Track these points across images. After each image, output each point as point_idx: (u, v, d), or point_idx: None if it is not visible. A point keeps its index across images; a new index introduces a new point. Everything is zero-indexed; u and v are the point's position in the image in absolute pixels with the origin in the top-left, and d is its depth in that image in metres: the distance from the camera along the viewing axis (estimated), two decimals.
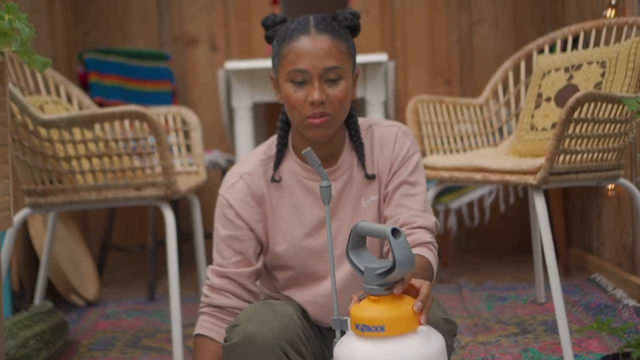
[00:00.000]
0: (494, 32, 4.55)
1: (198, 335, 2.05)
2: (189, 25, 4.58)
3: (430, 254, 1.94)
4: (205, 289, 2.07)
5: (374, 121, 2.09)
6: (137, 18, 4.57)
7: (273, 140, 2.09)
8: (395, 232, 1.54)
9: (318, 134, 1.92)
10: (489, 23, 4.55)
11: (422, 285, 1.60)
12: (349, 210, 2.03)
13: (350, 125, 2.05)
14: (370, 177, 2.03)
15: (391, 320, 1.53)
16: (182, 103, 4.52)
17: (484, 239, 4.57)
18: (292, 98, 1.90)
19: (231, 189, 2.04)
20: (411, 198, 2.01)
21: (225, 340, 1.83)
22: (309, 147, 1.68)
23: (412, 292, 1.60)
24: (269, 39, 1.99)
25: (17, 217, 2.68)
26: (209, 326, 2.04)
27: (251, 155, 2.10)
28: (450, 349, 1.82)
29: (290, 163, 2.04)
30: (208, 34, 4.58)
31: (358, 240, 1.65)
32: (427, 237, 1.96)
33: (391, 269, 1.54)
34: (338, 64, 1.89)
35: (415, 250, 1.92)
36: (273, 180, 2.04)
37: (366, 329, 1.54)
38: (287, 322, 1.83)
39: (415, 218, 1.98)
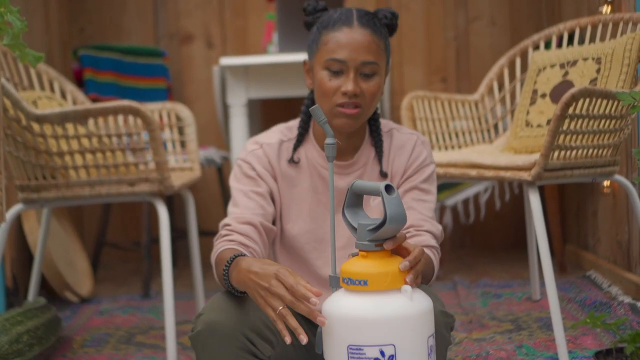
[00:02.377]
0: (491, 29, 4.54)
1: (223, 252, 1.88)
2: (184, 22, 4.57)
3: (433, 257, 1.95)
4: (224, 232, 1.93)
5: (395, 126, 2.11)
6: (133, 14, 4.56)
7: (294, 124, 2.10)
8: (388, 188, 1.56)
9: (346, 124, 1.95)
10: (485, 20, 4.54)
11: (415, 248, 1.61)
12: None
13: (372, 121, 2.07)
14: (384, 175, 2.05)
15: (374, 275, 1.55)
16: (178, 100, 4.52)
17: (479, 236, 4.57)
18: (326, 85, 1.93)
19: (251, 154, 2.04)
20: (422, 203, 2.03)
21: (191, 331, 1.82)
22: (318, 107, 1.69)
23: (405, 254, 1.61)
24: (308, 25, 2.02)
25: (10, 213, 2.67)
26: (234, 246, 1.91)
27: (271, 132, 2.10)
28: (447, 342, 1.82)
29: (309, 149, 2.05)
30: (204, 31, 4.57)
31: (355, 199, 1.66)
32: (433, 242, 1.97)
33: (382, 224, 1.56)
34: (375, 60, 1.93)
35: None
36: (291, 161, 2.04)
37: (350, 283, 1.57)
38: (250, 309, 1.81)
39: (423, 222, 2.00)
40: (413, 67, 4.55)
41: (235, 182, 2.03)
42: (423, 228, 1.98)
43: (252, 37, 4.54)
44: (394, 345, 1.52)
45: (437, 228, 2.01)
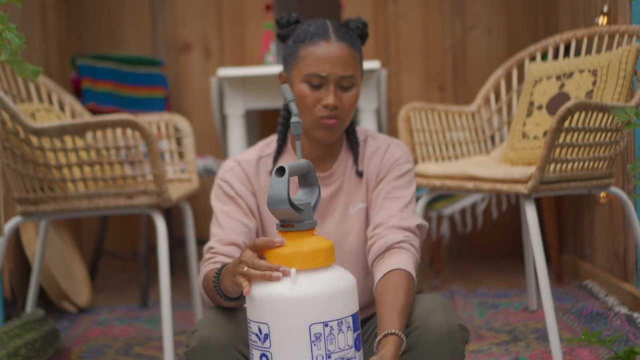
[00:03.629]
0: (488, 38, 4.55)
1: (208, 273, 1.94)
2: (182, 31, 4.58)
3: (403, 257, 1.89)
4: (208, 255, 1.98)
5: (370, 134, 2.13)
6: (131, 22, 4.57)
7: (271, 140, 2.12)
8: (278, 170, 1.61)
9: (328, 135, 1.99)
10: (482, 29, 4.56)
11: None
12: (336, 217, 2.05)
13: (348, 127, 2.10)
14: (360, 174, 2.06)
15: (270, 256, 1.64)
16: (176, 109, 4.52)
17: (476, 245, 4.58)
18: (307, 99, 1.97)
19: (230, 173, 2.06)
20: (393, 201, 2.02)
21: (186, 347, 1.84)
22: (287, 85, 1.76)
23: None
24: (283, 38, 2.05)
25: (9, 226, 2.68)
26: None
27: (250, 149, 2.13)
28: (462, 356, 1.81)
29: (288, 160, 2.07)
30: (202, 40, 4.58)
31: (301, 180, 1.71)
32: (399, 236, 1.93)
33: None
34: (353, 73, 1.98)
35: (387, 261, 1.89)
36: (271, 173, 2.04)
37: None
38: (243, 323, 1.83)
39: (389, 219, 1.98)
40: (410, 76, 4.57)
41: (216, 202, 2.06)
42: (388, 224, 1.96)
43: (250, 45, 4.55)
44: (267, 325, 1.57)
45: (409, 221, 1.97)
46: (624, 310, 3.12)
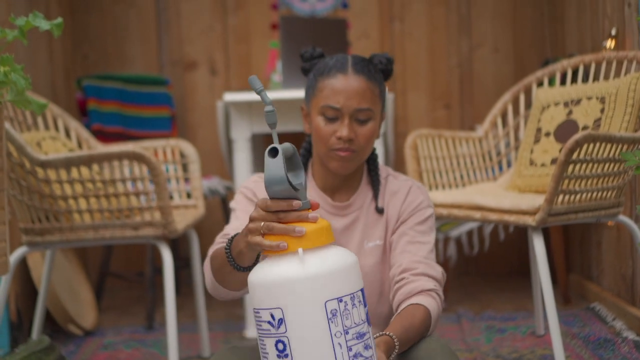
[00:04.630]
0: (494, 56, 4.54)
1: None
2: (188, 49, 4.57)
3: (430, 302, 1.91)
4: (220, 239, 1.94)
5: (391, 172, 2.13)
6: (136, 41, 4.57)
7: None
8: (271, 150, 1.57)
9: (341, 166, 1.98)
10: (488, 47, 4.54)
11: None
12: (350, 249, 2.03)
13: (370, 161, 2.09)
14: (380, 211, 2.05)
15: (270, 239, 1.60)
16: (181, 127, 4.52)
17: (483, 263, 4.57)
18: (322, 131, 1.96)
19: (254, 184, 2.06)
20: (417, 245, 2.01)
21: None
22: (255, 75, 1.69)
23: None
24: (305, 71, 2.06)
25: (14, 256, 2.67)
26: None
27: None
28: None
29: (308, 190, 2.06)
30: (207, 58, 4.58)
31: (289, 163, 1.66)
32: (430, 284, 1.93)
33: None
34: (369, 106, 1.96)
35: (414, 299, 1.90)
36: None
37: None
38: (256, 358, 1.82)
39: (417, 264, 1.97)
40: (416, 94, 4.56)
41: (235, 204, 2.06)
42: (417, 270, 1.95)
43: (256, 64, 4.55)
44: (281, 309, 1.53)
45: (436, 270, 1.98)
46: (631, 335, 3.10)
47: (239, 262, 1.74)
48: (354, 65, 1.97)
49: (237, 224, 1.98)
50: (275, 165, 1.57)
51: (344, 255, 1.59)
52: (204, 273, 1.95)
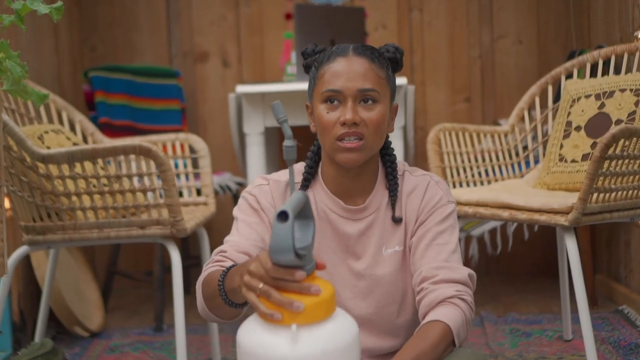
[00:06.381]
0: (517, 47, 4.37)
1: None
2: (199, 40, 4.42)
3: (451, 312, 1.74)
4: (217, 257, 1.80)
5: (408, 168, 1.95)
6: (146, 32, 4.42)
7: (300, 169, 1.96)
8: (280, 215, 1.40)
9: (349, 159, 1.80)
10: (511, 38, 4.38)
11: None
12: (368, 258, 1.88)
13: (388, 163, 1.91)
14: (397, 221, 1.88)
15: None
16: (192, 120, 4.37)
17: (505, 263, 4.39)
18: (324, 119, 1.80)
19: (258, 188, 1.91)
20: (436, 248, 1.84)
21: None
22: (278, 102, 1.56)
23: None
24: (307, 68, 1.90)
25: (14, 257, 2.54)
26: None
27: (281, 172, 1.96)
28: None
29: (318, 192, 1.91)
30: (219, 49, 4.42)
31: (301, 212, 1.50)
32: (450, 291, 1.77)
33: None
34: (374, 87, 1.79)
35: (431, 315, 1.74)
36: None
37: None
38: None
39: (437, 271, 1.80)
40: (436, 87, 4.39)
41: (238, 213, 1.90)
42: (437, 278, 1.79)
43: (269, 54, 4.40)
44: None
45: (459, 272, 1.81)
46: None
47: (232, 298, 1.61)
48: (355, 48, 1.82)
49: (237, 239, 1.84)
50: (283, 233, 1.40)
51: (343, 331, 1.43)
52: (196, 292, 1.80)
